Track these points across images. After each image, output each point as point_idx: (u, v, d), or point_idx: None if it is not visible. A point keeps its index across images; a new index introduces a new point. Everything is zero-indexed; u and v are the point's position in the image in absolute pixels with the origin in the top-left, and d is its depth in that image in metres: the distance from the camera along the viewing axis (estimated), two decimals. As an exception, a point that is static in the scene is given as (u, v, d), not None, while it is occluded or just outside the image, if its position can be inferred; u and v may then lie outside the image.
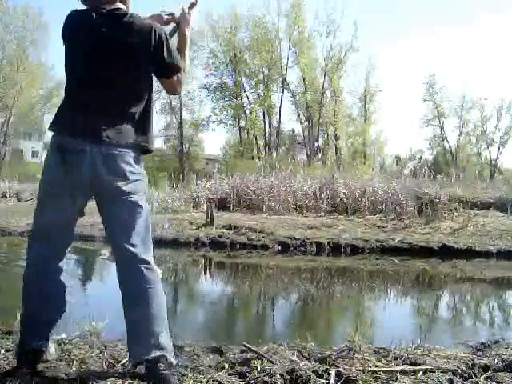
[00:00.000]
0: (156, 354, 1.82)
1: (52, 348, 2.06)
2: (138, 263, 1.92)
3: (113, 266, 5.99)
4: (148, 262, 1.95)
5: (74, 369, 1.94)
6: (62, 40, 1.96)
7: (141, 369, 2.00)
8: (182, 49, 2.11)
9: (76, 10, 1.98)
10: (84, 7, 1.99)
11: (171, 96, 36.72)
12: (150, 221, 2.00)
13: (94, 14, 1.91)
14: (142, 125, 1.96)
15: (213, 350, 2.35)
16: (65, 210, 1.93)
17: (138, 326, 1.87)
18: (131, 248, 1.90)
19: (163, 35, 1.93)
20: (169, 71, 2.00)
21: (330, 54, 35.14)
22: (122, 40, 1.88)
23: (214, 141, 78.85)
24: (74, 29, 1.94)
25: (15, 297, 3.91)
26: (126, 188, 1.89)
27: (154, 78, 2.04)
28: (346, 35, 48.47)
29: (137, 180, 1.93)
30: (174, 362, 1.90)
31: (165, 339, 1.88)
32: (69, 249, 2.07)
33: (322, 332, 3.50)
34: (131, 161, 1.90)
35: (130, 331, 1.88)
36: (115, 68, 1.89)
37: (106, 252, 7.04)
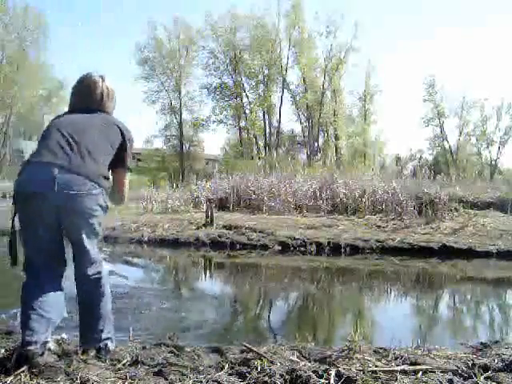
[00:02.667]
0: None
1: (52, 348, 2.07)
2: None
3: (112, 267, 5.96)
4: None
5: (74, 369, 1.94)
6: None
7: (141, 368, 2.01)
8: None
9: None
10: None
11: (171, 96, 36.88)
12: None
13: None
14: None
15: (213, 350, 2.35)
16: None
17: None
18: None
19: None
20: None
21: (329, 54, 35.13)
22: None
23: (214, 141, 78.80)
24: None
25: (15, 297, 3.91)
26: None
27: None
28: (346, 35, 48.39)
29: None
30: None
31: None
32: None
33: (321, 332, 3.50)
34: None
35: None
36: None
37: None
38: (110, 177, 2.31)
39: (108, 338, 2.19)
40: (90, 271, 2.21)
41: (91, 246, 2.20)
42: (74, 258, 2.26)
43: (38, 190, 2.07)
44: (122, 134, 2.33)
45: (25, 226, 2.15)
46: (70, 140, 2.16)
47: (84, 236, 2.16)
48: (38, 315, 1.99)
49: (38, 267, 2.16)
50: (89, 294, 2.22)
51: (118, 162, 2.31)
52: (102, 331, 2.17)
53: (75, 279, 2.25)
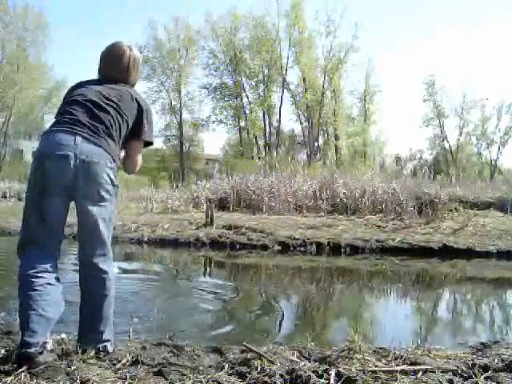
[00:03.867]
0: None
1: (49, 347, 2.07)
2: None
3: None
4: None
5: (73, 368, 1.94)
6: None
7: (141, 368, 2.01)
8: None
9: None
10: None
11: (171, 96, 36.89)
12: None
13: None
14: None
15: (213, 350, 2.35)
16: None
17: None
18: None
19: None
20: None
21: (330, 54, 35.17)
22: None
23: (214, 141, 78.87)
24: None
25: (15, 297, 3.91)
26: None
27: None
28: (346, 35, 48.49)
29: None
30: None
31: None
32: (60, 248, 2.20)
33: (321, 332, 3.50)
34: None
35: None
36: None
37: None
38: (122, 154, 2.33)
39: (108, 340, 2.18)
40: (97, 260, 2.15)
41: (104, 230, 2.15)
42: (82, 244, 2.20)
43: (60, 152, 2.04)
44: (140, 107, 2.35)
45: (35, 190, 2.08)
46: (94, 110, 2.17)
47: (96, 213, 2.14)
48: (38, 315, 1.94)
49: (36, 248, 2.08)
50: (93, 290, 2.16)
51: (134, 133, 2.33)
52: (102, 332, 2.16)
53: (79, 270, 2.20)
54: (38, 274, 2.02)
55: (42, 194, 2.06)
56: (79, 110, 2.17)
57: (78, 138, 2.07)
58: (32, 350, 1.89)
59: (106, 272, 2.16)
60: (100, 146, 2.11)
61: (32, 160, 2.14)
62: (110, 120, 2.20)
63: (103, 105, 2.21)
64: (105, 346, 2.16)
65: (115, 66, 2.39)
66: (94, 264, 2.14)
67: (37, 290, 1.98)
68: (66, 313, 3.52)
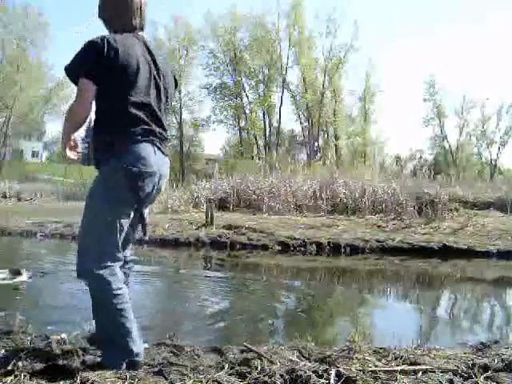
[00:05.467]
0: None
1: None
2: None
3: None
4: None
5: (73, 368, 1.94)
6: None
7: (141, 368, 2.01)
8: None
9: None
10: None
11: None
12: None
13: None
14: None
15: (213, 350, 2.35)
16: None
17: None
18: None
19: None
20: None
21: (330, 54, 35.18)
22: None
23: (214, 141, 78.94)
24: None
25: (15, 297, 3.91)
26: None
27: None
28: (346, 35, 48.49)
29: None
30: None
31: None
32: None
33: (321, 332, 3.50)
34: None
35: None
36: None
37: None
38: None
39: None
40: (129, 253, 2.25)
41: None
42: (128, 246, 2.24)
43: (153, 169, 1.99)
44: (176, 82, 2.28)
45: (123, 206, 1.99)
46: (162, 119, 2.07)
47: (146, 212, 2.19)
48: (136, 327, 2.03)
49: (119, 262, 2.07)
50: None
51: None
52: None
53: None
54: (124, 287, 2.06)
55: (131, 208, 2.03)
56: (150, 117, 2.01)
57: (157, 151, 2.02)
58: (141, 359, 1.99)
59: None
60: (167, 155, 2.11)
61: (118, 175, 1.95)
62: (166, 103, 2.13)
63: (166, 106, 2.13)
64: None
65: (138, 8, 2.11)
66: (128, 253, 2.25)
67: (128, 302, 2.02)
68: (66, 313, 3.53)
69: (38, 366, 1.96)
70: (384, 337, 2.78)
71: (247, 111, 35.93)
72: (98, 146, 2.01)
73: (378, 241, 7.46)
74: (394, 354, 2.28)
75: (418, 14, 68.19)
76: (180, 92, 36.35)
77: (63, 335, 2.44)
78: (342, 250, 7.24)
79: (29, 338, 2.34)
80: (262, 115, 36.38)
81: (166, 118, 2.11)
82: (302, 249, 7.30)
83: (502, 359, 2.22)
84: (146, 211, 2.17)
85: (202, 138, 40.65)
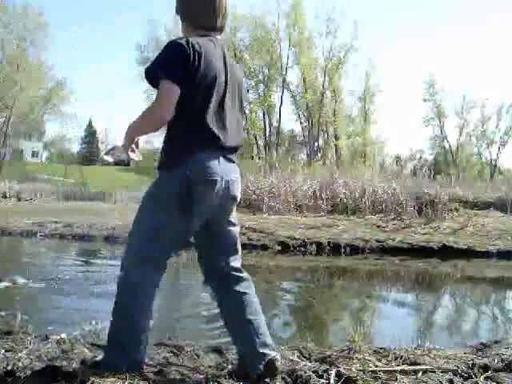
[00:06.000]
0: None
1: None
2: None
3: (110, 267, 5.97)
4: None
5: (73, 368, 1.94)
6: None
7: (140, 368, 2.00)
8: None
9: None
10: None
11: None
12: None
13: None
14: None
15: (213, 350, 2.35)
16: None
17: None
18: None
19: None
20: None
21: (330, 54, 35.19)
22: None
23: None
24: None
25: (15, 297, 3.90)
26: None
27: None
28: (346, 35, 48.48)
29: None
30: None
31: None
32: None
33: (322, 332, 3.50)
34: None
35: None
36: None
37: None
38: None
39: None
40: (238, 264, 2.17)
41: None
42: (221, 254, 2.09)
43: (216, 178, 1.90)
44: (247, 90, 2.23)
45: (179, 214, 1.88)
46: (235, 130, 2.00)
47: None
48: (147, 337, 1.98)
49: (155, 266, 1.96)
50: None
51: None
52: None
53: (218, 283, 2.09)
54: (152, 301, 2.00)
55: (188, 217, 1.93)
56: (222, 127, 1.93)
57: (222, 160, 1.95)
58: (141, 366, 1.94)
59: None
60: (235, 162, 2.06)
61: (180, 183, 1.87)
62: (239, 112, 2.08)
63: (240, 115, 2.08)
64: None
65: (225, 7, 1.98)
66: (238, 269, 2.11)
67: (148, 319, 2.00)
68: (66, 313, 3.53)
69: (38, 365, 1.96)
70: (384, 337, 2.78)
71: (247, 111, 35.92)
72: (165, 150, 1.95)
73: (378, 241, 7.47)
74: (394, 353, 2.27)
75: (418, 14, 68.30)
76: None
77: (63, 335, 2.44)
78: (342, 250, 7.24)
79: (29, 338, 2.34)
80: (261, 115, 36.40)
81: (239, 127, 2.05)
82: (302, 249, 7.30)
83: (502, 359, 2.22)
84: (232, 220, 2.09)
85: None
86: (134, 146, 1.98)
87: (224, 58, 1.98)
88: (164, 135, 1.97)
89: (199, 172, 1.86)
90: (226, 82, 1.95)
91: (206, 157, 1.88)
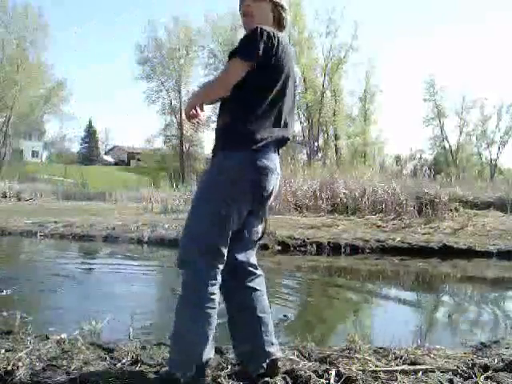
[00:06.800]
0: None
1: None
2: None
3: (110, 267, 5.96)
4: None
5: (73, 368, 1.94)
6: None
7: (141, 368, 2.00)
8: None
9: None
10: None
11: (171, 96, 36.90)
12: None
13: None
14: None
15: (213, 350, 2.35)
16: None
17: None
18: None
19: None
20: None
21: (330, 54, 35.18)
22: None
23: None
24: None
25: (16, 297, 3.90)
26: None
27: None
28: (346, 35, 48.48)
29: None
30: None
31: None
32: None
33: (322, 332, 3.50)
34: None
35: None
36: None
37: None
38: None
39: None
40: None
41: None
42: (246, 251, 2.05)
43: (276, 168, 1.94)
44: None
45: (241, 202, 1.89)
46: (292, 99, 2.02)
47: None
48: (213, 331, 1.90)
49: (223, 258, 1.91)
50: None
51: None
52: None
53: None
54: (218, 293, 1.94)
55: (247, 206, 1.96)
56: (280, 118, 1.95)
57: (276, 152, 1.99)
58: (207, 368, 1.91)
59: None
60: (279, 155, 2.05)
61: (244, 170, 1.87)
62: (293, 108, 2.08)
63: (293, 110, 2.07)
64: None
65: (289, 6, 2.08)
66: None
67: (215, 309, 1.91)
68: (66, 313, 3.53)
69: (38, 365, 1.96)
70: (384, 337, 2.78)
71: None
72: (225, 135, 1.93)
73: (378, 241, 7.46)
74: (394, 353, 2.28)
75: (418, 14, 68.26)
76: (180, 92, 36.41)
77: (63, 335, 2.45)
78: (342, 250, 7.24)
79: (29, 338, 2.34)
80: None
81: (292, 120, 2.06)
82: (302, 249, 7.30)
83: (502, 359, 2.22)
84: (264, 214, 2.11)
85: (202, 137, 40.65)
86: (193, 111, 1.97)
87: (293, 58, 2.05)
88: (222, 117, 1.98)
89: (260, 159, 1.86)
90: (288, 75, 1.97)
91: (266, 145, 1.89)
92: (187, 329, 1.84)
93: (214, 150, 1.96)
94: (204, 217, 1.88)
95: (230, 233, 1.90)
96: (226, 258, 1.90)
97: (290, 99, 2.01)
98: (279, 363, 1.94)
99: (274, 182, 1.96)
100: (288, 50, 1.95)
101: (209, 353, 1.87)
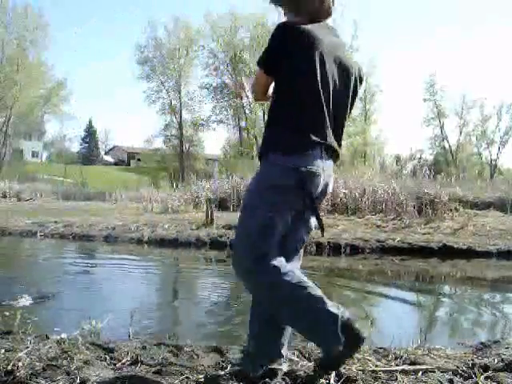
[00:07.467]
0: None
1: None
2: None
3: (110, 267, 5.96)
4: None
5: (73, 368, 1.94)
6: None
7: (141, 368, 2.00)
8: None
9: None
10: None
11: (171, 96, 36.89)
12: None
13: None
14: None
15: (213, 350, 2.35)
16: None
17: None
18: None
19: None
20: None
21: (330, 54, 35.11)
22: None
23: (214, 141, 79.00)
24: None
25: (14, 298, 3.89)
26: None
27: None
28: (346, 35, 48.49)
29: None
30: None
31: None
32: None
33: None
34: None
35: None
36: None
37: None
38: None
39: None
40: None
41: None
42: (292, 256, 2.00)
43: (319, 171, 1.83)
44: (361, 79, 1.98)
45: (286, 207, 1.82)
46: (342, 100, 1.89)
47: None
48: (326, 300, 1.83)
49: (279, 258, 1.85)
50: None
51: None
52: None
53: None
54: (298, 272, 1.89)
55: (292, 211, 1.88)
56: (326, 121, 1.84)
57: (324, 155, 1.87)
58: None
59: None
60: (331, 159, 1.94)
61: (288, 175, 1.80)
62: (344, 116, 1.96)
63: (346, 110, 1.95)
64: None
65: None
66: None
67: (312, 286, 1.86)
68: (66, 313, 3.53)
69: (38, 365, 1.96)
70: (384, 337, 2.78)
71: (247, 111, 35.93)
72: (268, 140, 1.87)
73: (378, 241, 7.47)
74: (394, 353, 2.27)
75: (418, 14, 68.24)
76: (180, 92, 36.39)
77: (63, 335, 2.44)
78: (342, 250, 7.24)
79: (29, 338, 2.34)
80: (262, 115, 36.36)
81: (342, 127, 1.96)
82: (302, 249, 7.29)
83: (502, 359, 2.22)
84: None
85: (202, 138, 40.62)
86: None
87: (334, 44, 1.88)
88: (268, 120, 1.92)
89: (308, 163, 1.80)
90: (333, 73, 1.85)
91: (314, 149, 1.81)
92: (306, 320, 1.80)
93: (259, 157, 1.92)
94: (252, 227, 1.83)
95: (280, 237, 1.85)
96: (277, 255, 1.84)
97: (338, 96, 1.87)
98: (279, 373, 1.91)
99: (320, 186, 1.88)
100: (319, 45, 1.79)
101: (334, 308, 1.81)
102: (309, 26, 1.80)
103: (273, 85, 1.90)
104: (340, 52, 1.90)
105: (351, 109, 2.00)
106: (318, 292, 1.81)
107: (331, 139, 1.88)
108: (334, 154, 1.92)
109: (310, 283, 1.81)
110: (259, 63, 1.86)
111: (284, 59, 1.79)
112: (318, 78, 1.79)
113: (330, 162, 1.91)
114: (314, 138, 1.81)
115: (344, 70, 1.89)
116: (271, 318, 1.92)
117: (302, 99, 1.81)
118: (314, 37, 1.78)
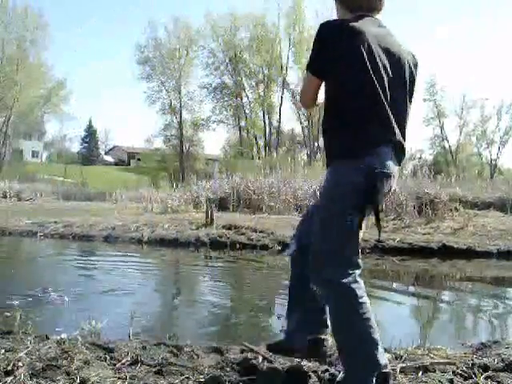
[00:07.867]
0: None
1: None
2: None
3: (110, 267, 5.96)
4: None
5: (73, 368, 1.94)
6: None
7: (141, 368, 2.00)
8: None
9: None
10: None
11: (171, 96, 36.90)
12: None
13: None
14: None
15: (213, 350, 2.35)
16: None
17: None
18: None
19: None
20: None
21: (330, 54, 35.15)
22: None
23: (214, 141, 79.01)
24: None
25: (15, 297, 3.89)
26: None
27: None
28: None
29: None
30: None
31: None
32: None
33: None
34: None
35: None
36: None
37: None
38: None
39: None
40: None
41: None
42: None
43: (390, 171, 1.78)
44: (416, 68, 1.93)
45: (358, 208, 1.77)
46: (397, 96, 1.82)
47: None
48: (378, 334, 1.86)
49: (359, 266, 1.83)
50: None
51: None
52: None
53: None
54: (366, 296, 1.87)
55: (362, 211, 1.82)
56: (388, 119, 1.78)
57: (392, 156, 1.83)
58: (388, 370, 1.83)
59: None
60: (397, 160, 1.88)
61: (357, 176, 1.75)
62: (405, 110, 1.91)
63: (405, 106, 1.90)
64: None
65: None
66: None
67: (371, 312, 1.87)
68: (66, 313, 3.53)
69: (38, 365, 1.96)
70: (384, 337, 2.78)
71: (247, 111, 35.97)
72: (334, 146, 1.83)
73: (378, 241, 7.45)
74: (394, 354, 2.28)
75: (418, 14, 68.23)
76: (180, 92, 36.40)
77: (63, 335, 2.44)
78: (342, 250, 7.23)
79: (29, 338, 2.34)
80: (262, 115, 36.43)
81: (405, 119, 1.89)
82: (302, 249, 7.29)
83: (502, 359, 2.22)
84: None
85: (202, 138, 40.65)
86: None
87: (384, 40, 1.84)
88: (327, 126, 1.87)
89: (380, 165, 1.75)
90: (388, 68, 1.80)
91: (383, 149, 1.77)
92: (354, 341, 1.79)
93: (327, 165, 1.88)
94: (328, 232, 1.80)
95: (357, 237, 1.81)
96: (360, 264, 1.83)
97: (397, 92, 1.82)
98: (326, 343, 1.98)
99: (388, 186, 1.83)
100: (366, 38, 1.74)
101: (382, 355, 1.81)
102: (353, 21, 1.76)
103: (323, 90, 1.85)
104: (388, 42, 1.85)
105: (411, 98, 1.93)
106: (374, 327, 1.80)
107: (399, 136, 1.82)
108: (401, 151, 1.86)
109: (369, 310, 1.81)
110: (309, 66, 1.81)
111: (333, 58, 1.75)
112: (371, 73, 1.73)
113: (396, 162, 1.85)
114: (381, 136, 1.77)
115: (396, 59, 1.84)
116: (315, 293, 1.91)
117: (360, 98, 1.75)
118: (359, 31, 1.74)
